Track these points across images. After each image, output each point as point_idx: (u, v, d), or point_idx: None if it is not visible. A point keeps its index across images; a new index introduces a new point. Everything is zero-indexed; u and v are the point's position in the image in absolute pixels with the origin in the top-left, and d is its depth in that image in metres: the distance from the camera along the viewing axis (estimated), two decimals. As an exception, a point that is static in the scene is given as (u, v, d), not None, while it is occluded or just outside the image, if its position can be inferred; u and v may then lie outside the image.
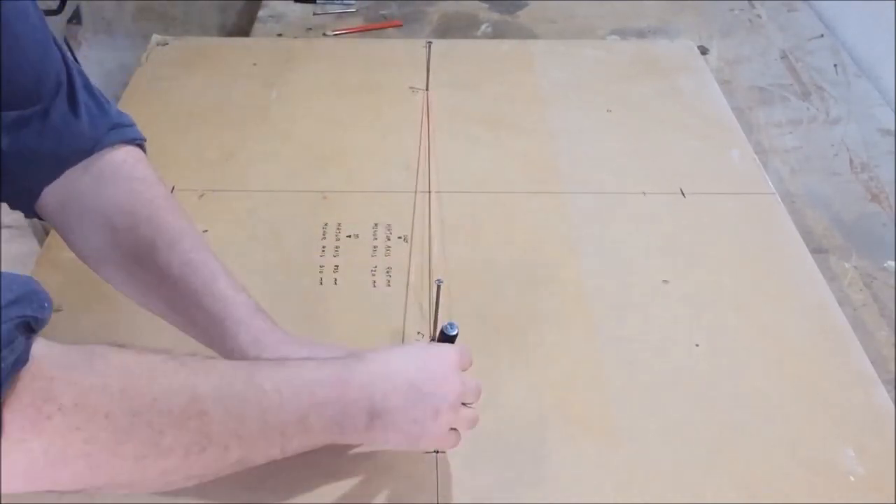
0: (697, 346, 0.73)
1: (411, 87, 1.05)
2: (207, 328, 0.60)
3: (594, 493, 0.62)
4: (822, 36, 1.26)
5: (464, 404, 0.57)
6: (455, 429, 0.57)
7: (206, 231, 0.83)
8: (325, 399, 0.51)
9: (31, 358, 0.41)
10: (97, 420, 0.42)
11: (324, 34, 1.23)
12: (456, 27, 1.27)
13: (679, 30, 1.27)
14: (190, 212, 0.85)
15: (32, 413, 0.40)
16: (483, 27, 1.27)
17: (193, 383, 0.47)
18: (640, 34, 1.26)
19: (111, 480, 0.44)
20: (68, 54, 0.59)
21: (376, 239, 0.83)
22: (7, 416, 0.39)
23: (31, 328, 0.43)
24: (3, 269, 0.41)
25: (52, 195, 0.61)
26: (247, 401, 0.48)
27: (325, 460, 0.63)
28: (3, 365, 0.39)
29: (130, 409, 0.43)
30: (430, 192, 0.89)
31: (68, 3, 1.20)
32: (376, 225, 0.85)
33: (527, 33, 1.25)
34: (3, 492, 0.40)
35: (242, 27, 1.33)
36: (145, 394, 0.44)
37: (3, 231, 1.01)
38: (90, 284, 0.77)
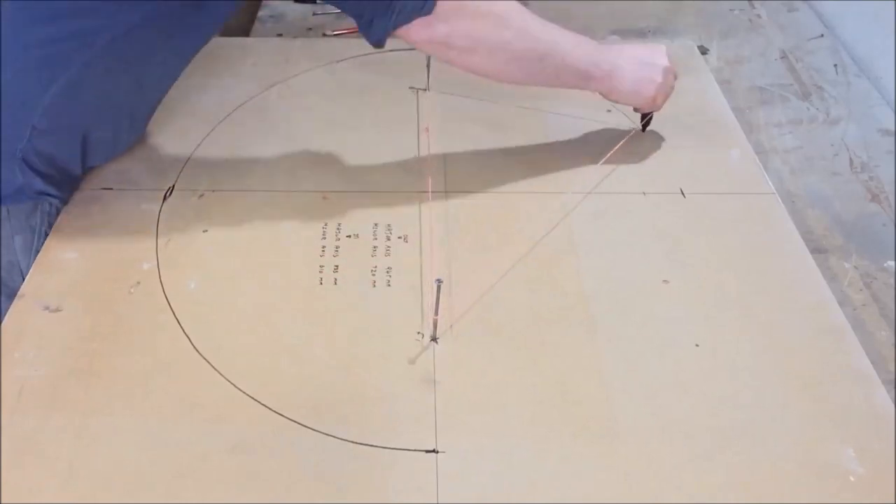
0: (697, 346, 0.73)
1: (411, 87, 1.05)
2: None
3: (594, 493, 0.62)
4: (822, 36, 1.26)
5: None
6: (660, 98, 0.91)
7: (207, 231, 0.84)
8: (584, 42, 0.86)
9: None
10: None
11: (324, 34, 1.23)
12: (456, 27, 1.26)
13: (679, 30, 1.27)
14: (190, 212, 0.86)
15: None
16: (483, 27, 1.26)
17: (519, 3, 0.82)
18: (640, 34, 1.26)
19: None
20: None
21: (376, 239, 0.83)
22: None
23: None
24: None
25: None
26: (544, 23, 0.84)
27: (326, 460, 0.64)
28: None
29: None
30: (430, 192, 0.89)
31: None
32: (376, 225, 0.85)
33: (527, 33, 1.25)
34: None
35: (242, 27, 1.33)
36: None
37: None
38: (90, 284, 0.77)
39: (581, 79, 0.86)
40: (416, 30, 0.77)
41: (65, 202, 0.86)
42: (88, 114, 0.82)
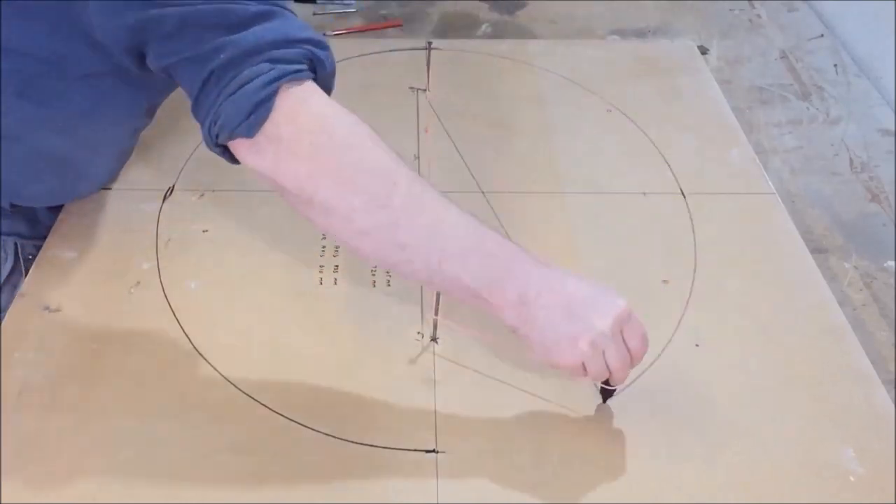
0: (697, 346, 0.73)
1: (411, 87, 1.05)
2: None
3: (594, 493, 0.62)
4: (822, 36, 1.26)
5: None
6: (587, 368, 0.60)
7: (207, 231, 0.83)
8: (492, 253, 0.60)
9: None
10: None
11: (324, 34, 1.23)
12: (456, 27, 1.27)
13: (679, 30, 1.27)
14: (190, 212, 0.86)
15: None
16: (483, 27, 1.26)
17: (397, 168, 0.60)
18: (640, 34, 1.26)
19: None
20: None
21: (376, 239, 0.83)
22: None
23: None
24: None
25: None
26: (428, 204, 0.60)
27: (326, 460, 0.64)
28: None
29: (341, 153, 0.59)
30: (430, 192, 0.89)
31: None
32: (376, 225, 0.85)
33: (527, 33, 1.25)
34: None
35: (242, 27, 1.33)
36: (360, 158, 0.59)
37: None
38: (90, 284, 0.77)
39: (470, 297, 0.60)
40: (243, 152, 0.59)
41: (27, 237, 0.81)
42: (15, 169, 0.73)
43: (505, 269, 0.59)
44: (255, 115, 0.57)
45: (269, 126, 0.57)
